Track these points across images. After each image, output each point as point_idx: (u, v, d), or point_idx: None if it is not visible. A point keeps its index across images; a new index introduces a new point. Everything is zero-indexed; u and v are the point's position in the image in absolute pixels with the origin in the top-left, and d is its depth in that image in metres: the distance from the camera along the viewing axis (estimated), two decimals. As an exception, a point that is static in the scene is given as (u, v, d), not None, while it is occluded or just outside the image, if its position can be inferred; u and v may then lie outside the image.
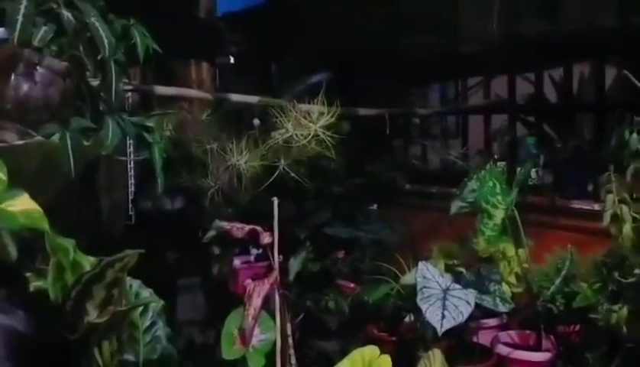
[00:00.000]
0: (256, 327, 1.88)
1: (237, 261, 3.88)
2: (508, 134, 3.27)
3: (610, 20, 2.77)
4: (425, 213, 3.47)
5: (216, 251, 3.63)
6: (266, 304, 1.92)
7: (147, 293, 1.71)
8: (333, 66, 3.79)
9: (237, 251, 3.80)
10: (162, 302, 1.75)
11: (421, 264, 2.27)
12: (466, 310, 2.06)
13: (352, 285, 3.26)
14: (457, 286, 2.19)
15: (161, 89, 2.27)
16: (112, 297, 1.40)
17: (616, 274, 2.14)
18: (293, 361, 1.89)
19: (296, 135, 1.86)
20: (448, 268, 2.62)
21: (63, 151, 1.45)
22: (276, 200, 1.93)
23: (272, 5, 3.68)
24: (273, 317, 1.91)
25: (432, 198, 3.45)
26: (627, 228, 1.65)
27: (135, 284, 1.72)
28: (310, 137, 1.84)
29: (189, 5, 3.77)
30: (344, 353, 1.97)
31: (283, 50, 3.86)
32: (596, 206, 2.82)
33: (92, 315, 1.35)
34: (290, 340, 1.94)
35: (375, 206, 3.41)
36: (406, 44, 3.71)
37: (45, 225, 1.36)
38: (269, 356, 1.87)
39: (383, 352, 2.28)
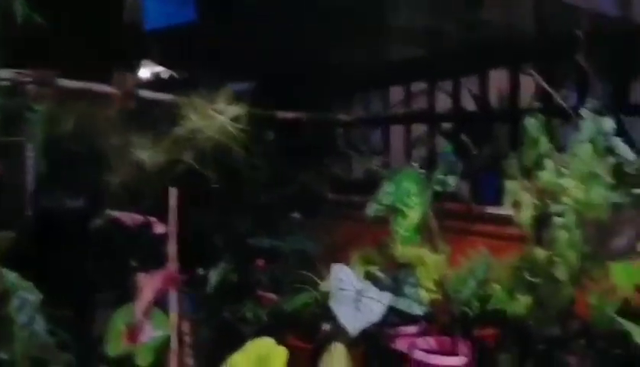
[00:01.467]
0: (147, 324, 1.77)
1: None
2: (427, 143, 3.29)
3: (526, 27, 2.85)
4: (348, 222, 3.44)
5: (133, 263, 3.49)
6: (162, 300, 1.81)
7: (24, 286, 1.58)
8: (258, 77, 3.75)
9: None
10: (40, 296, 1.62)
11: (336, 267, 2.22)
12: (379, 311, 2.02)
13: (273, 296, 3.18)
14: (372, 287, 2.15)
15: (65, 82, 2.14)
16: None
17: (527, 275, 2.16)
18: (191, 362, 1.78)
19: (202, 127, 1.78)
20: (367, 275, 2.58)
21: None
22: (173, 190, 1.83)
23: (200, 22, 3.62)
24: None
25: (355, 207, 3.42)
26: (526, 214, 1.65)
27: (12, 276, 1.58)
28: (217, 128, 1.76)
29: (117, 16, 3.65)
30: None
31: (209, 63, 3.78)
32: (511, 212, 2.87)
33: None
34: (187, 339, 1.83)
35: (297, 215, 3.35)
36: (333, 56, 3.71)
37: None
38: (162, 354, 1.75)
39: (299, 359, 2.21)
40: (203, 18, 3.46)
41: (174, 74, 2.87)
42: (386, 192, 2.32)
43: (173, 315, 1.78)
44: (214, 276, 3.22)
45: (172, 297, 1.80)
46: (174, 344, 1.76)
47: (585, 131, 1.66)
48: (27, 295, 1.58)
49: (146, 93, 2.26)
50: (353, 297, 2.06)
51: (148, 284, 1.75)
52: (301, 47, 3.56)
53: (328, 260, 2.84)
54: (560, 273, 1.62)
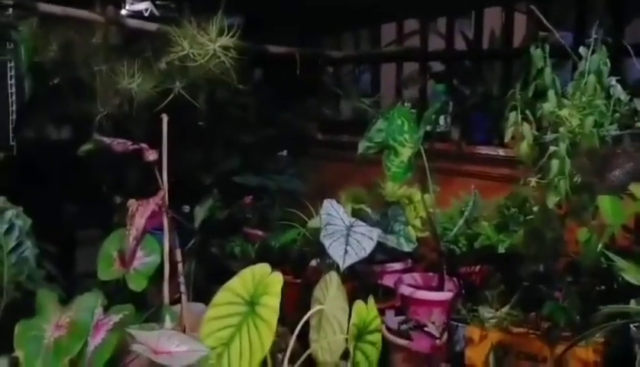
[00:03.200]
0: (139, 250, 1.76)
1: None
2: (418, 82, 3.25)
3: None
4: (336, 163, 3.43)
5: (117, 200, 3.46)
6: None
7: (12, 211, 1.55)
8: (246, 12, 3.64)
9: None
10: (30, 221, 1.59)
11: (326, 202, 2.21)
12: (368, 246, 2.03)
13: (260, 233, 3.19)
14: (361, 223, 2.15)
15: (45, 7, 2.06)
16: None
17: (516, 212, 2.17)
18: (183, 289, 1.78)
19: (193, 54, 1.72)
20: (355, 212, 2.59)
21: None
22: (165, 117, 1.80)
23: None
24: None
25: (344, 147, 3.40)
26: (524, 145, 1.65)
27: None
28: (208, 56, 1.71)
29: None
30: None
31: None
32: (501, 152, 2.87)
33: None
34: (180, 267, 1.82)
35: (285, 152, 3.32)
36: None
37: None
38: (154, 280, 1.75)
39: (288, 294, 2.23)
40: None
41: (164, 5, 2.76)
42: (378, 129, 2.29)
43: (165, 242, 1.77)
44: (200, 212, 3.23)
45: (164, 224, 1.79)
46: (166, 272, 1.76)
47: (589, 63, 1.64)
48: (15, 219, 1.55)
49: (132, 22, 2.19)
50: (344, 233, 2.06)
51: (140, 211, 1.72)
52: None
53: (316, 199, 2.84)
54: (550, 201, 1.63)
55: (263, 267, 1.67)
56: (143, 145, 1.73)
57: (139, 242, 1.73)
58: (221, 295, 1.63)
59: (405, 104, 2.34)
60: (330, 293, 1.89)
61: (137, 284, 1.72)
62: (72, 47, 1.98)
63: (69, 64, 1.96)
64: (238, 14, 3.65)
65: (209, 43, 1.72)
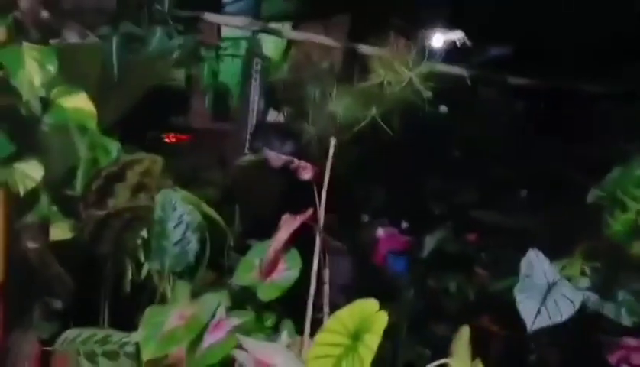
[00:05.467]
0: (282, 262, 1.78)
1: (380, 231, 3.81)
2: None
3: None
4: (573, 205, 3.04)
5: (365, 218, 3.60)
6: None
7: (185, 208, 1.72)
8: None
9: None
10: (199, 218, 1.74)
11: (531, 252, 1.97)
12: (566, 311, 1.75)
13: (486, 274, 3.00)
14: (567, 283, 1.87)
15: (288, 33, 2.25)
16: (138, 201, 1.42)
17: None
18: (327, 309, 1.74)
19: (387, 82, 1.70)
20: (584, 271, 2.26)
21: (107, 53, 1.50)
22: (333, 140, 1.80)
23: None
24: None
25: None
26: None
27: (176, 196, 1.73)
28: (403, 84, 1.67)
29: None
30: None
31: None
32: None
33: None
34: (326, 288, 1.79)
35: (524, 193, 3.07)
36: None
37: (92, 123, 1.42)
38: (290, 295, 1.75)
39: (489, 344, 2.09)
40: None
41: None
42: (612, 178, 1.98)
43: (315, 262, 1.77)
44: (431, 241, 3.18)
45: (316, 242, 1.79)
46: (312, 290, 1.76)
47: None
48: (185, 216, 1.72)
49: (362, 48, 2.26)
50: (542, 290, 1.82)
51: (286, 225, 1.76)
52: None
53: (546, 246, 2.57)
54: None
55: (372, 303, 1.54)
56: (303, 163, 1.76)
57: (279, 255, 1.76)
58: (332, 322, 1.56)
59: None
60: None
61: (267, 294, 1.73)
62: (302, 68, 2.12)
63: (297, 85, 2.09)
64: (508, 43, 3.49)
65: (405, 71, 1.67)
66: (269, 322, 1.81)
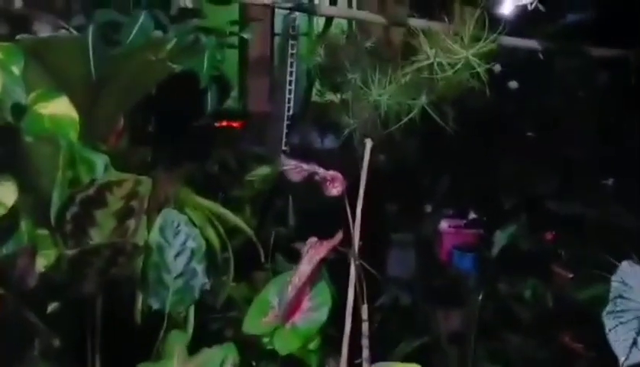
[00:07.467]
0: (307, 300, 1.45)
1: (444, 223, 3.56)
2: None
3: None
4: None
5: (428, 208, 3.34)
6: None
7: (191, 232, 1.44)
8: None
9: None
10: (204, 245, 1.45)
11: (625, 264, 1.60)
12: (668, 345, 1.39)
13: (569, 275, 2.64)
14: (672, 306, 1.50)
15: (326, 9, 1.95)
16: (127, 229, 1.17)
17: None
18: (366, 354, 1.40)
19: (439, 64, 1.38)
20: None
21: (82, 48, 1.24)
22: (369, 142, 1.47)
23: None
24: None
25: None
26: None
27: (181, 220, 1.46)
28: (458, 67, 1.34)
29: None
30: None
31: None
32: None
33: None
34: (366, 326, 1.45)
35: (610, 181, 2.66)
36: None
37: (72, 134, 1.18)
38: (319, 340, 1.41)
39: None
40: None
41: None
42: None
43: (350, 294, 1.42)
44: (501, 238, 2.86)
45: (351, 273, 1.45)
46: (347, 329, 1.42)
47: None
48: (190, 241, 1.43)
49: (415, 21, 1.92)
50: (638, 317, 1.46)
51: (309, 254, 1.42)
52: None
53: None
54: None
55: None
56: (330, 174, 1.42)
57: (300, 293, 1.43)
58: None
59: None
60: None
61: (285, 344, 1.39)
62: (339, 51, 1.82)
63: (334, 70, 1.80)
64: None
65: (460, 51, 1.34)
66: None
